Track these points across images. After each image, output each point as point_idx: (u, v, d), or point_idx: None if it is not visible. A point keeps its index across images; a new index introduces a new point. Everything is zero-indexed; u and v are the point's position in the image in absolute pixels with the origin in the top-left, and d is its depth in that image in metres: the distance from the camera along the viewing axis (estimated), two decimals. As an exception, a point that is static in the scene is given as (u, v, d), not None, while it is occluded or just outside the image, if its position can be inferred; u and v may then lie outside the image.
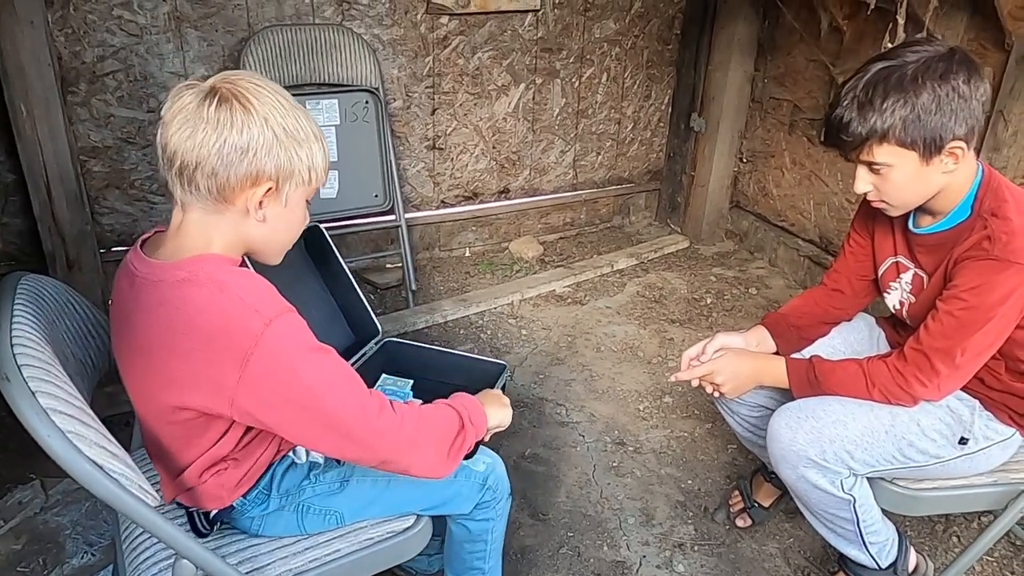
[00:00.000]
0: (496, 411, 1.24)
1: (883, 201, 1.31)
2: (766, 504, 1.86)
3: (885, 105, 1.19)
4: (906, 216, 1.40)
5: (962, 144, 1.21)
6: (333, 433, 1.02)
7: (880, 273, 1.49)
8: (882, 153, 1.23)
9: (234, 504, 1.16)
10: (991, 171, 1.31)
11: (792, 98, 3.04)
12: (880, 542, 1.44)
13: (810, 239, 3.09)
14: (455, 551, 1.43)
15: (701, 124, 3.34)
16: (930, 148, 1.21)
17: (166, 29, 2.47)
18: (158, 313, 1.01)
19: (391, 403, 1.07)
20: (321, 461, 1.24)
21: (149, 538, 1.17)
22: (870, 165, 1.26)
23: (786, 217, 3.20)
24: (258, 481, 1.17)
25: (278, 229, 1.10)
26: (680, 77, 3.44)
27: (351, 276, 1.79)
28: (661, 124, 3.56)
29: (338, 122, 2.69)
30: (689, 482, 2.06)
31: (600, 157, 3.48)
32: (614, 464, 2.12)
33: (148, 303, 1.02)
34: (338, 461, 1.24)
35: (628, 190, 3.64)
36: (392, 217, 2.87)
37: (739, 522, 1.86)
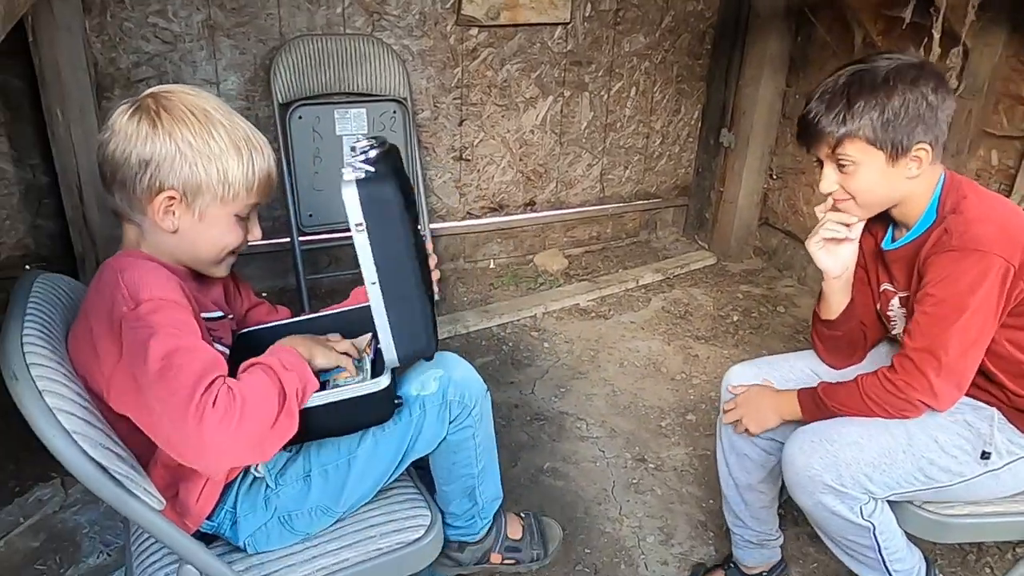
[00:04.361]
0: (320, 352, 1.15)
1: (849, 199, 1.32)
2: None
3: (857, 105, 1.23)
4: (881, 238, 1.41)
5: (927, 148, 1.25)
6: (160, 431, 0.96)
7: (878, 308, 1.47)
8: (851, 149, 1.26)
9: (203, 530, 1.15)
10: (952, 175, 1.34)
11: (824, 114, 2.99)
12: (905, 570, 1.39)
13: (841, 257, 3.02)
14: (439, 463, 1.34)
15: (731, 140, 3.30)
16: (897, 149, 1.24)
17: (199, 37, 2.51)
18: (82, 308, 1.09)
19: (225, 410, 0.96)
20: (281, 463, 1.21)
21: (156, 542, 1.16)
22: (838, 162, 1.29)
23: (817, 235, 3.14)
24: (220, 502, 1.15)
25: (196, 242, 1.15)
26: (710, 92, 3.41)
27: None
28: (690, 139, 3.53)
29: (366, 131, 2.70)
30: (711, 502, 2.02)
31: (628, 171, 3.46)
32: (634, 481, 2.08)
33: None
34: (294, 451, 1.21)
35: (655, 205, 3.61)
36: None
37: None
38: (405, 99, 2.74)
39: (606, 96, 3.23)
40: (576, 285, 3.15)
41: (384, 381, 1.11)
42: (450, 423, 1.25)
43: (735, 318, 2.96)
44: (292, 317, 1.37)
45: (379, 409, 1.15)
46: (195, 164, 1.08)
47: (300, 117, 2.61)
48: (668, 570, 1.80)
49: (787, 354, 1.62)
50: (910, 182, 1.28)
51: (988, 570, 1.83)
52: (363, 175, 1.03)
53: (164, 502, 0.96)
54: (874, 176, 1.28)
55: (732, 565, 1.69)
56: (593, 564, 1.80)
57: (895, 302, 1.42)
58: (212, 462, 0.96)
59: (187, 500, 1.10)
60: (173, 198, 1.09)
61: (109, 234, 2.51)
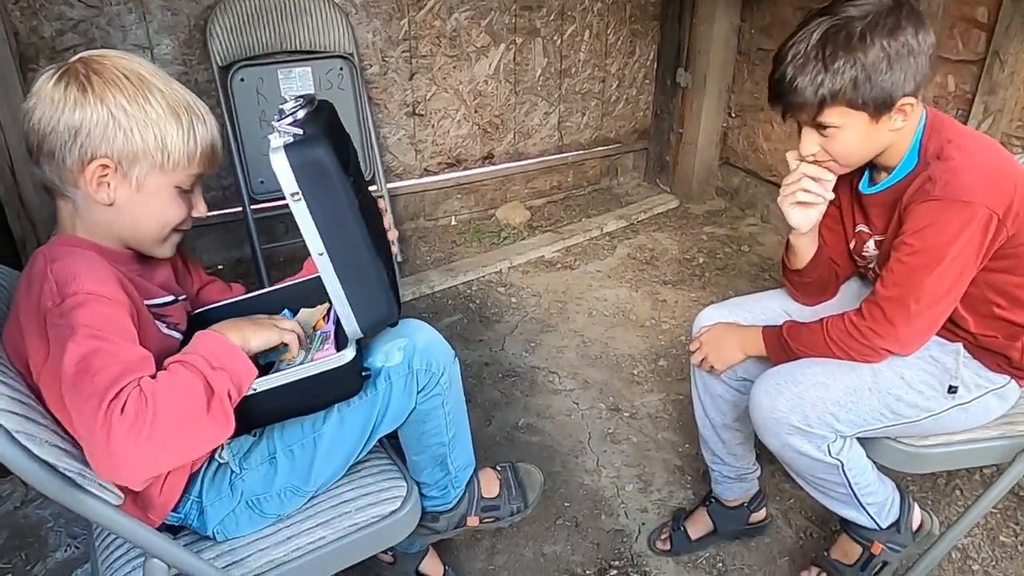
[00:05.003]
0: (255, 333, 1.03)
1: (831, 161, 1.27)
2: (692, 536, 1.70)
3: (835, 66, 1.15)
4: (858, 181, 1.36)
5: (912, 100, 1.19)
6: (80, 441, 0.88)
7: (851, 247, 1.44)
8: (831, 115, 1.19)
9: (168, 521, 1.10)
10: (935, 114, 1.28)
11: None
12: (878, 502, 1.40)
13: (802, 193, 3.01)
14: (408, 434, 1.28)
15: (687, 79, 3.25)
16: (880, 107, 1.18)
17: (126, -1, 2.36)
18: (14, 299, 1.02)
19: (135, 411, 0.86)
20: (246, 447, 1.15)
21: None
22: (818, 127, 1.22)
23: (778, 172, 3.13)
24: (185, 494, 1.09)
25: (136, 217, 1.07)
26: (664, 31, 3.34)
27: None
28: (647, 81, 3.47)
29: (312, 90, 2.60)
30: (687, 446, 2.02)
31: (585, 118, 3.39)
32: (609, 431, 2.08)
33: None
34: (256, 435, 1.15)
35: (615, 151, 3.56)
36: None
37: (659, 544, 1.72)
38: (351, 54, 2.63)
39: (559, 41, 3.15)
40: (540, 237, 3.10)
41: (348, 354, 1.06)
42: (418, 393, 1.19)
43: (701, 260, 2.95)
44: (246, 294, 1.30)
45: (346, 384, 1.09)
46: (130, 131, 1.00)
47: (242, 79, 2.49)
48: (648, 517, 1.81)
49: (757, 294, 1.60)
50: (894, 132, 1.23)
51: (958, 492, 1.87)
52: (291, 139, 0.96)
53: (122, 496, 0.90)
54: (857, 136, 1.21)
55: (713, 500, 1.69)
56: (573, 517, 1.80)
57: (870, 244, 1.39)
58: (125, 475, 0.86)
59: (150, 493, 1.05)
60: (107, 167, 1.01)
61: (48, 213, 2.36)
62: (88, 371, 0.86)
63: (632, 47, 3.34)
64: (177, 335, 1.12)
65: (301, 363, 1.08)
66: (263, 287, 2.64)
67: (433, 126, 3.05)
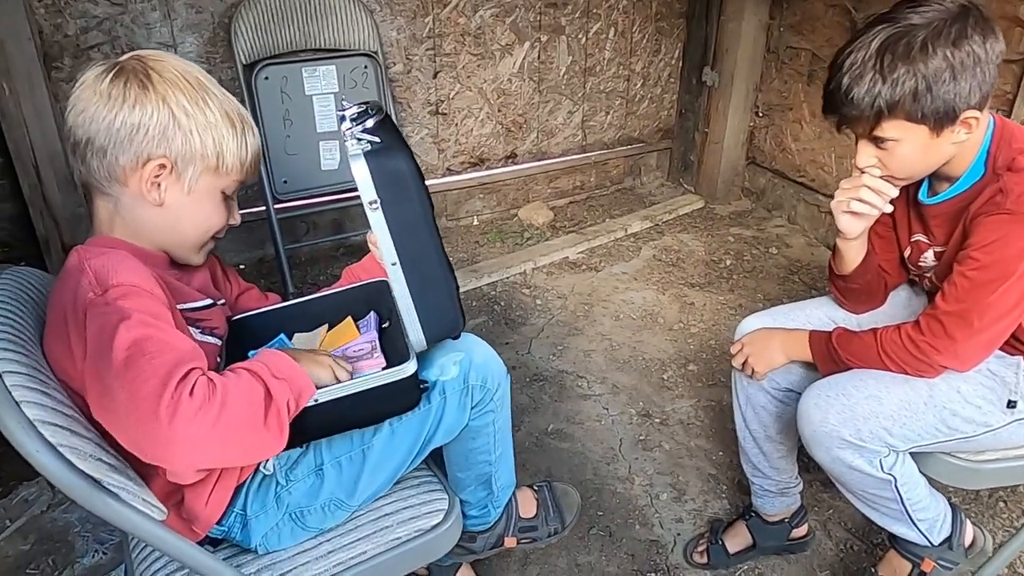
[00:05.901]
0: (312, 368, 1.00)
1: (888, 176, 1.22)
2: (730, 550, 1.65)
3: (894, 76, 1.09)
4: (916, 189, 1.30)
5: (976, 113, 1.12)
6: (125, 427, 0.84)
7: (906, 255, 1.40)
8: (889, 128, 1.14)
9: (211, 534, 1.07)
10: (1003, 122, 1.22)
11: (811, 47, 2.89)
12: (929, 518, 1.36)
13: (831, 194, 2.94)
14: (456, 449, 1.24)
15: (714, 78, 3.20)
16: (942, 120, 1.12)
17: (151, -3, 2.34)
18: (50, 302, 0.98)
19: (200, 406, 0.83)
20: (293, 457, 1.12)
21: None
22: (875, 139, 1.17)
23: (805, 172, 3.08)
24: (229, 507, 1.06)
25: (181, 219, 1.05)
26: (691, 29, 3.29)
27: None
28: (672, 80, 3.42)
29: (336, 89, 2.57)
30: (720, 454, 1.98)
31: (609, 117, 3.35)
32: (641, 437, 2.04)
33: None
34: (305, 447, 1.12)
35: (639, 150, 3.51)
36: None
37: (695, 557, 1.67)
38: (376, 52, 2.59)
39: (584, 39, 3.10)
40: (564, 238, 3.06)
41: (411, 367, 1.02)
42: (472, 408, 1.16)
43: (728, 262, 2.90)
44: (282, 302, 1.27)
45: (403, 397, 1.06)
46: (190, 132, 0.99)
47: (266, 78, 2.46)
48: (684, 527, 1.77)
49: (802, 301, 1.55)
50: (956, 145, 1.17)
51: (1002, 504, 1.82)
52: (369, 147, 0.93)
53: (166, 511, 0.88)
54: (916, 151, 1.16)
55: (753, 514, 1.65)
56: (607, 527, 1.76)
57: (929, 255, 1.34)
58: (180, 458, 0.83)
59: (194, 506, 1.02)
60: (164, 167, 0.99)
61: (72, 213, 2.37)
62: (144, 353, 0.83)
63: (657, 45, 3.29)
64: (215, 340, 1.09)
65: None
66: (286, 288, 2.64)
67: (456, 125, 3.01)
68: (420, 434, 1.12)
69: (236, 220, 1.12)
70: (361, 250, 1.75)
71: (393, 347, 1.11)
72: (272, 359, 0.94)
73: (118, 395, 0.82)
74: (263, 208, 2.53)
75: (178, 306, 1.01)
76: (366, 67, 2.60)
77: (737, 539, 1.65)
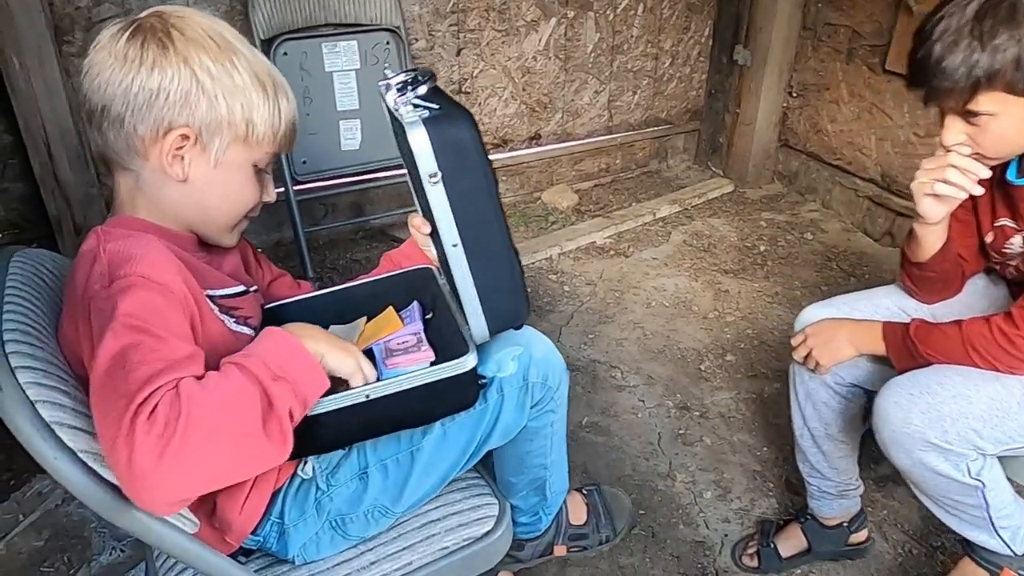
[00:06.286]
0: (333, 353, 0.86)
1: (977, 155, 1.11)
2: (783, 553, 1.55)
3: (994, 43, 0.99)
4: (1003, 169, 1.19)
5: None
6: (102, 440, 0.70)
7: (988, 241, 1.29)
8: (985, 101, 1.04)
9: (245, 544, 0.97)
10: None
11: (850, 23, 2.77)
12: (1013, 526, 1.25)
13: (870, 178, 2.85)
14: (509, 453, 1.14)
15: (746, 56, 3.08)
16: None
17: (165, -33, 2.23)
18: (66, 288, 0.88)
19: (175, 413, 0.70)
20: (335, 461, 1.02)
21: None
22: (967, 114, 1.06)
23: (842, 155, 2.96)
24: (265, 514, 0.97)
25: (208, 196, 0.93)
26: (722, 6, 3.16)
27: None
28: (701, 58, 3.30)
29: (358, 66, 2.46)
30: (765, 450, 1.88)
31: (636, 97, 3.23)
32: (680, 431, 1.94)
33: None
34: (347, 449, 1.01)
35: (665, 132, 3.39)
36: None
37: (745, 560, 1.57)
38: (398, 28, 2.48)
39: (612, 15, 2.98)
40: (590, 222, 2.96)
41: (470, 361, 0.91)
42: (530, 408, 1.06)
43: (762, 248, 2.79)
44: (314, 291, 1.17)
45: (462, 395, 0.95)
46: (215, 97, 0.87)
47: (285, 53, 2.35)
48: (731, 528, 1.67)
49: (867, 290, 1.44)
50: None
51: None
52: (428, 113, 0.82)
53: (198, 523, 0.79)
54: (1013, 126, 1.06)
55: (808, 517, 1.55)
56: (650, 527, 1.67)
57: (1016, 240, 1.23)
58: (149, 499, 0.69)
59: (228, 514, 0.92)
60: (187, 137, 0.88)
61: (84, 193, 2.28)
62: (124, 367, 0.71)
63: (687, 22, 3.17)
64: (249, 331, 0.98)
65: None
66: (306, 273, 2.54)
67: (480, 104, 2.90)
68: (474, 435, 1.02)
69: (271, 197, 1.01)
70: (382, 235, 1.65)
71: (441, 340, 1.01)
72: (273, 349, 0.80)
73: (95, 418, 0.71)
74: (281, 189, 2.43)
75: (208, 293, 0.91)
76: (388, 43, 2.49)
77: (790, 542, 1.56)
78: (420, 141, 0.81)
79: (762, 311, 2.42)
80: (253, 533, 0.96)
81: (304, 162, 2.46)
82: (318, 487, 0.99)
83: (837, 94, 2.90)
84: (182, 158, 0.90)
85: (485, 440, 1.04)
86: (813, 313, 1.41)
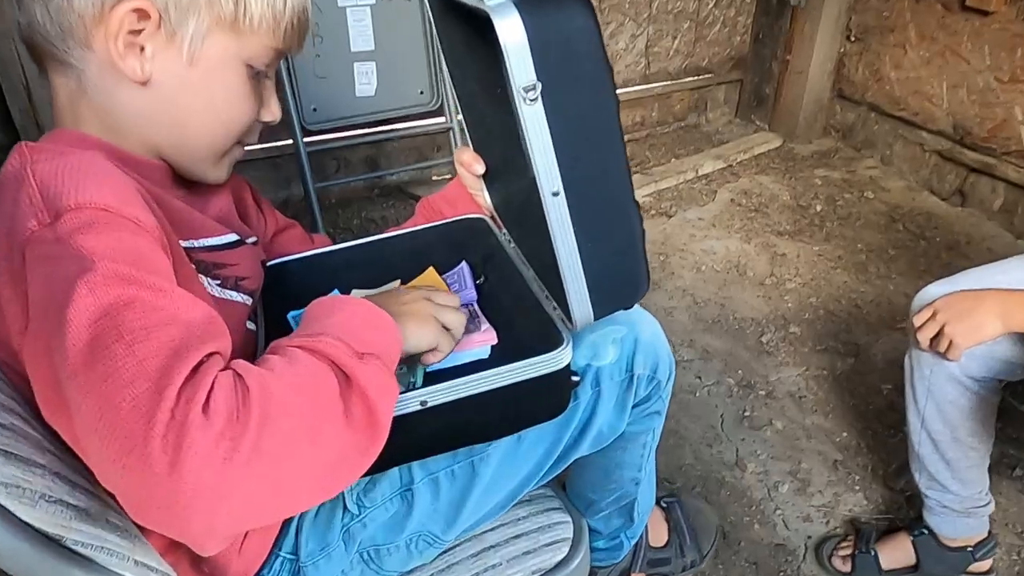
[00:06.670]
0: (409, 326, 0.64)
1: None
2: (884, 565, 1.33)
3: None
4: None
5: None
6: (100, 464, 0.46)
7: None
8: None
9: None
10: None
11: (923, -45, 2.47)
12: None
13: (939, 130, 2.56)
14: (596, 464, 0.90)
15: (800, -4, 2.78)
16: None
17: None
18: None
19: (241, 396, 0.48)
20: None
21: None
22: None
23: (907, 105, 2.67)
24: (274, 549, 0.72)
25: (181, 105, 0.65)
26: (773, -61, 2.86)
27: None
28: (747, -1, 3.00)
29: (373, 2, 2.19)
30: (844, 435, 1.64)
31: (676, 42, 2.94)
32: (745, 413, 1.71)
33: None
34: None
35: (706, 82, 3.11)
36: (441, 119, 2.39)
37: (836, 562, 1.35)
38: (419, -43, 2.21)
39: (653, -51, 2.69)
40: (627, 179, 2.69)
41: (566, 355, 0.66)
42: (632, 408, 0.81)
43: (818, 208, 2.53)
44: (332, 245, 0.92)
45: (551, 398, 0.70)
46: None
47: (292, -15, 2.08)
48: (814, 528, 1.44)
49: (996, 263, 1.17)
50: None
51: None
52: None
53: (173, 574, 0.55)
54: None
55: (924, 532, 1.31)
56: (719, 526, 1.44)
57: None
58: (199, 526, 0.45)
59: (222, 557, 0.68)
60: (144, 15, 0.61)
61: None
62: (121, 333, 0.46)
63: (734, -42, 2.87)
64: (241, 298, 0.72)
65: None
66: (317, 232, 2.30)
67: (506, 48, 2.63)
68: (558, 442, 0.77)
69: (274, 114, 0.74)
70: (399, 192, 1.39)
71: (500, 315, 0.76)
72: (348, 320, 0.57)
73: (81, 405, 0.46)
74: (289, 141, 2.18)
75: (184, 244, 0.65)
76: (408, -26, 2.21)
77: (896, 554, 1.32)
78: (512, 35, 0.53)
79: (824, 277, 2.17)
80: (257, 574, 0.72)
81: (315, 109, 2.20)
82: (346, 510, 0.74)
83: (903, 36, 2.61)
84: (140, 48, 0.62)
85: (572, 448, 0.79)
86: (936, 291, 1.14)
